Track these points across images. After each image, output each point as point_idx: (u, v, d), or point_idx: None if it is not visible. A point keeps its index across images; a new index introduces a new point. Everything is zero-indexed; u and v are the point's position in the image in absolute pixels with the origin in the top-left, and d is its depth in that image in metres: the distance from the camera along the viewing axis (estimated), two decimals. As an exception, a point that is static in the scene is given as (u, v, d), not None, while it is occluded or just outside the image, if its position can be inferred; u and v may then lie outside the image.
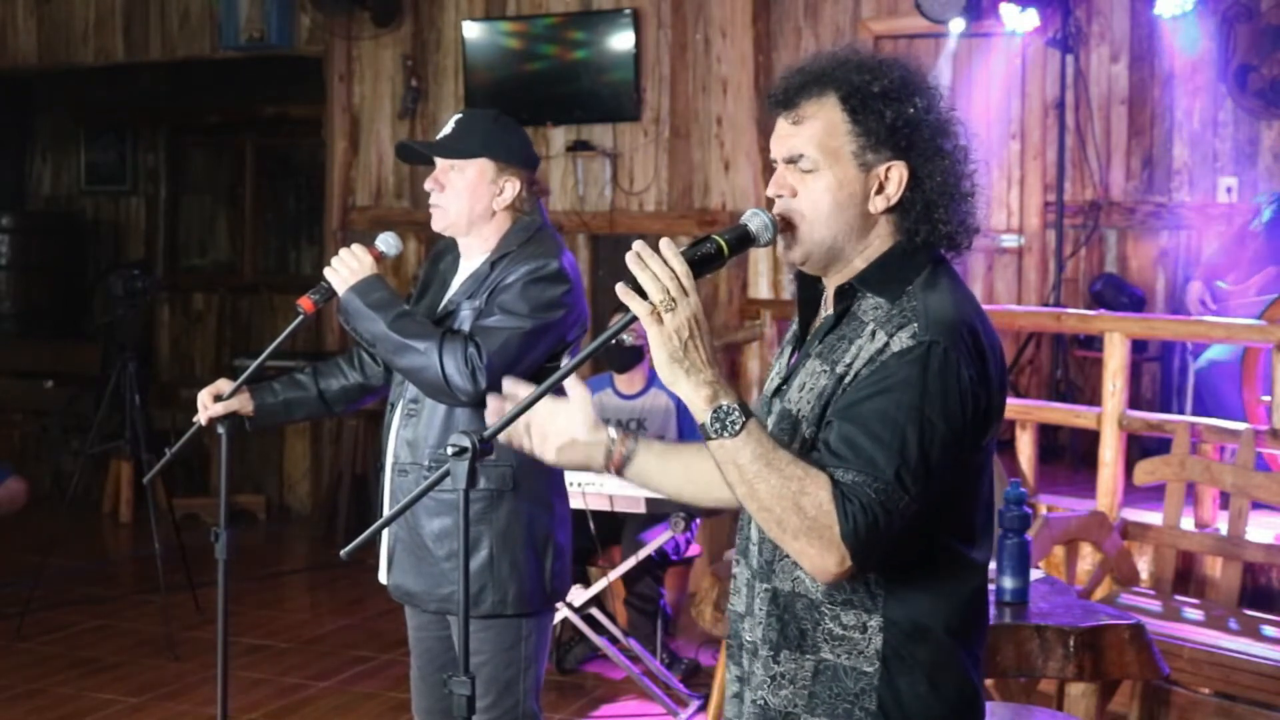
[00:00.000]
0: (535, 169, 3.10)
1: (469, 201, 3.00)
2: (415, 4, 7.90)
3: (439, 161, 3.03)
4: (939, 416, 1.76)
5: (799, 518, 1.72)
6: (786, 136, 1.92)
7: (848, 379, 1.82)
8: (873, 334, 1.83)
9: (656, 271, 1.73)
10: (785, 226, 1.91)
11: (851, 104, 1.88)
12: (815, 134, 1.89)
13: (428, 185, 3.04)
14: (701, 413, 1.74)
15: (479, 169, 3.00)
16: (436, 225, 3.06)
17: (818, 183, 1.89)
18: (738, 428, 1.73)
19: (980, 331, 1.85)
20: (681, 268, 1.74)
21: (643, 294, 1.75)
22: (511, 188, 3.01)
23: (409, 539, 3.03)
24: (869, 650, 1.84)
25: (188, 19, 8.55)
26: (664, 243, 1.77)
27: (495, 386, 2.82)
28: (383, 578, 3.14)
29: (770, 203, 1.96)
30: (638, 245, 1.76)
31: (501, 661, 2.99)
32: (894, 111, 1.88)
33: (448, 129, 3.05)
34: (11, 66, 9.06)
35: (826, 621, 1.86)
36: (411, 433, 3.02)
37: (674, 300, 1.73)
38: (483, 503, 2.95)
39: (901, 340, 1.80)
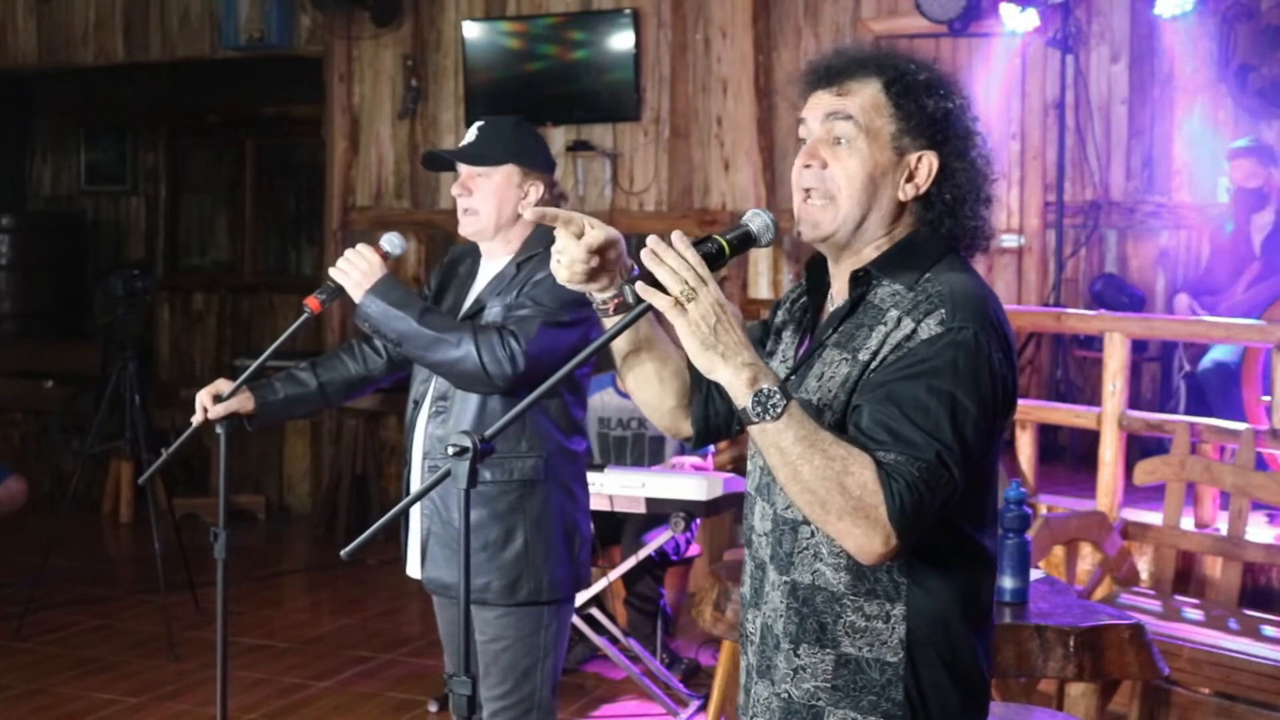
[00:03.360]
0: (554, 172, 3.17)
1: (497, 206, 3.06)
2: (415, 4, 7.90)
3: (464, 168, 3.09)
4: (972, 400, 1.76)
5: (843, 498, 1.70)
6: (830, 103, 1.91)
7: (874, 365, 1.82)
8: (898, 321, 1.83)
9: (673, 265, 1.73)
10: (811, 197, 1.90)
11: (895, 89, 1.89)
12: (862, 105, 1.90)
13: (455, 191, 3.10)
14: (742, 396, 1.72)
15: (505, 174, 3.06)
16: (466, 231, 3.12)
17: (852, 157, 1.89)
18: (779, 410, 1.71)
19: (1002, 317, 1.87)
20: (694, 257, 1.74)
21: (662, 290, 1.74)
22: (535, 191, 3.08)
23: (442, 532, 3.07)
24: (893, 640, 1.85)
25: (188, 19, 8.55)
26: (676, 235, 1.77)
27: (533, 372, 2.86)
28: (414, 572, 3.16)
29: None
30: (651, 240, 1.76)
31: (521, 649, 3.03)
32: (935, 103, 1.90)
33: (471, 136, 3.12)
34: (11, 66, 9.05)
35: (849, 614, 1.86)
36: (442, 429, 3.05)
37: (694, 289, 1.72)
38: (516, 493, 3.00)
39: (930, 327, 1.80)
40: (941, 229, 1.91)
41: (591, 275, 2.00)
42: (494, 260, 3.13)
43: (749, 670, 2.01)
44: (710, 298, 1.72)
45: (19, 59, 9.00)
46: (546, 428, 3.03)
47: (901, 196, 1.91)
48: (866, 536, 1.71)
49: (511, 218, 3.08)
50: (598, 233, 1.98)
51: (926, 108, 1.89)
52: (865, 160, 1.89)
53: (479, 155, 3.07)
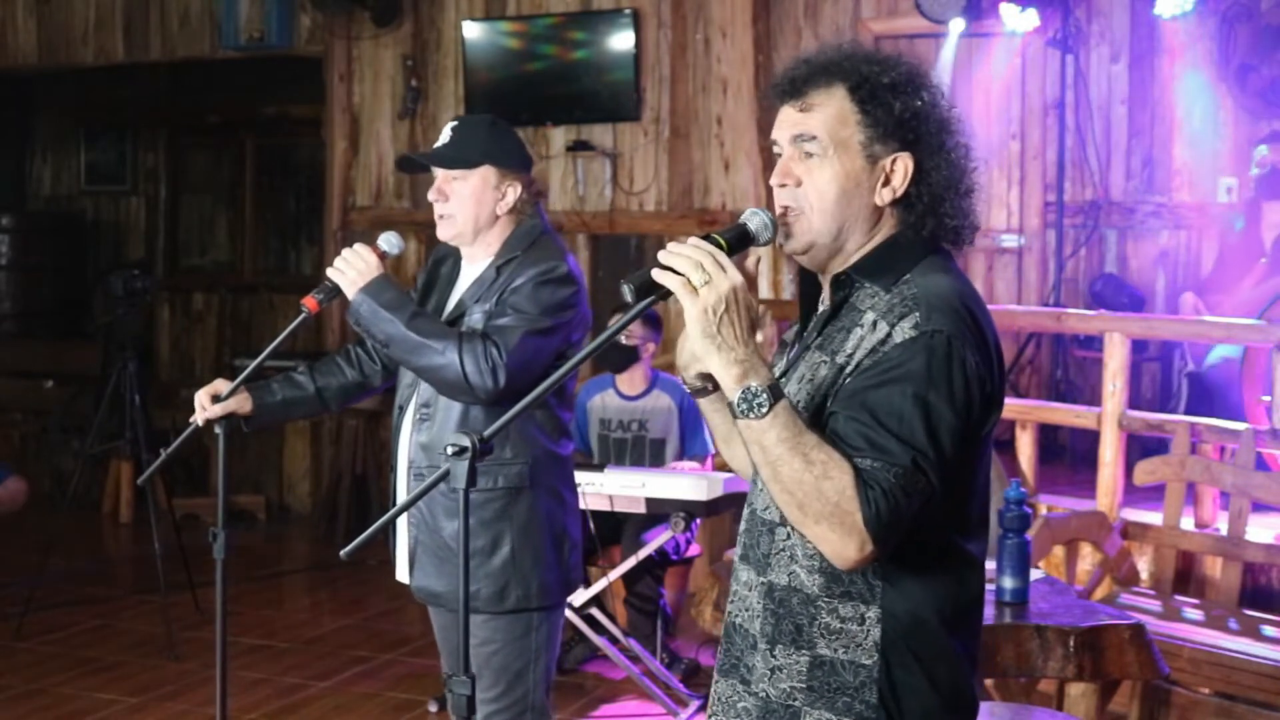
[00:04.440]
0: (531, 169, 3.13)
1: (474, 209, 3.03)
2: (415, 4, 7.90)
3: (439, 172, 3.05)
4: (945, 404, 1.76)
5: (820, 503, 1.72)
6: (796, 121, 1.91)
7: (849, 369, 1.82)
8: (874, 324, 1.83)
9: (689, 253, 1.75)
10: (788, 215, 1.91)
11: (860, 94, 1.88)
12: (826, 120, 1.89)
13: (432, 195, 3.06)
14: (730, 391, 1.75)
15: (482, 176, 3.02)
16: (444, 235, 3.09)
17: (824, 171, 1.89)
18: (764, 410, 1.73)
19: (979, 317, 1.85)
20: (711, 248, 1.76)
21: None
22: (513, 191, 3.05)
23: (430, 541, 3.05)
24: (867, 643, 1.84)
25: (188, 19, 8.55)
26: (693, 240, 1.79)
27: (515, 384, 2.85)
28: (403, 578, 3.15)
29: (769, 197, 1.95)
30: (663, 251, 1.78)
31: (512, 651, 3.02)
32: (902, 104, 1.88)
33: (445, 137, 3.07)
34: (11, 66, 9.06)
35: (824, 615, 1.86)
36: (426, 436, 3.03)
37: (709, 274, 1.74)
38: (502, 501, 2.99)
39: (904, 330, 1.80)
40: (924, 229, 1.90)
41: None
42: (474, 264, 3.10)
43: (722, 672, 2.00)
44: (726, 285, 1.74)
45: (19, 59, 9.00)
46: (532, 433, 3.01)
47: (879, 201, 1.90)
48: (842, 542, 1.72)
49: (490, 219, 3.05)
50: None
51: (894, 110, 1.87)
52: (837, 173, 1.88)
53: (454, 158, 3.03)
